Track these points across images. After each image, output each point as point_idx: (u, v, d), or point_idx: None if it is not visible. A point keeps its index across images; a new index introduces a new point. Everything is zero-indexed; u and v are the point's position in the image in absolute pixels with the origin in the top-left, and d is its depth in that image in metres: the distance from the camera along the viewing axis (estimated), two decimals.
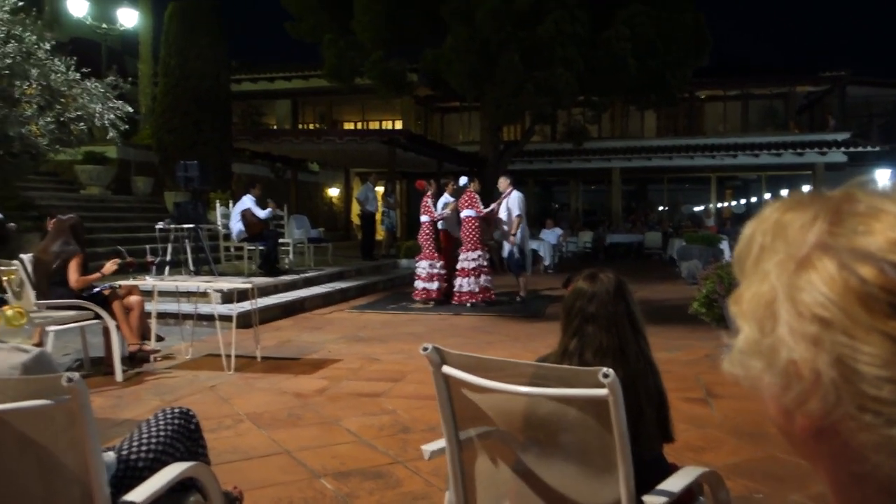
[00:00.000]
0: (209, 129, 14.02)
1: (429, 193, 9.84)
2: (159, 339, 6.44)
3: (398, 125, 23.80)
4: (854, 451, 0.45)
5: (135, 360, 5.77)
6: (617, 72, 15.40)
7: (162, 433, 1.96)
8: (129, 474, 1.77)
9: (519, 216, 9.51)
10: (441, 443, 1.93)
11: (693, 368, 5.65)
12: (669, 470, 1.86)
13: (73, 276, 5.35)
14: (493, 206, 9.74)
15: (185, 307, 7.29)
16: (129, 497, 1.52)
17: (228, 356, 5.62)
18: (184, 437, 2.03)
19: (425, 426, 4.22)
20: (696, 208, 25.19)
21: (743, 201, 26.53)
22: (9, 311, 2.35)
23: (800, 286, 0.46)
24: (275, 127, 24.76)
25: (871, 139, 23.57)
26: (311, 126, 26.49)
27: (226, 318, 6.80)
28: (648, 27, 15.01)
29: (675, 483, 1.70)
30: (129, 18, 16.20)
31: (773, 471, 3.44)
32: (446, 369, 1.78)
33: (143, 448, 1.88)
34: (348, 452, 3.79)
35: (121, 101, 8.71)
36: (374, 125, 25.42)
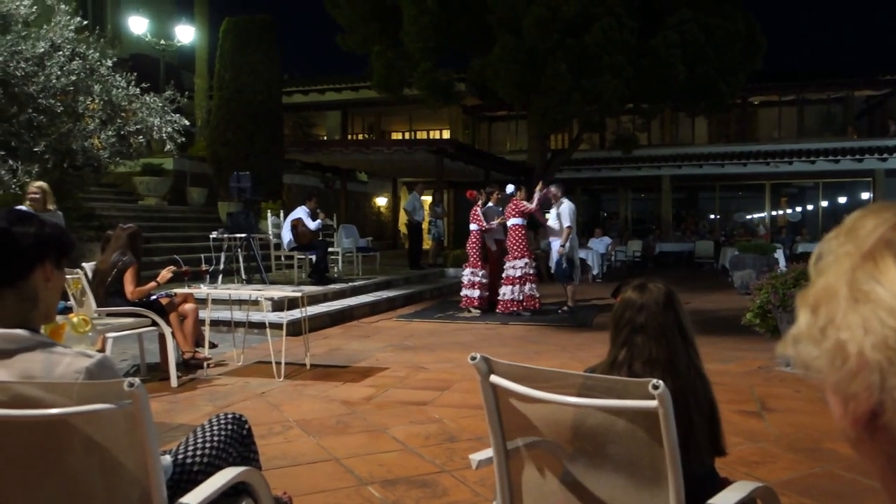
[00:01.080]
0: (261, 140, 14.35)
1: (479, 203, 9.87)
2: (212, 346, 6.60)
3: (446, 135, 23.94)
4: None
5: (189, 367, 5.92)
6: (666, 78, 15.21)
7: (216, 438, 2.01)
8: (184, 478, 1.82)
9: (569, 227, 9.45)
10: (488, 452, 1.93)
11: (746, 380, 5.52)
12: (721, 484, 1.82)
13: (129, 286, 5.53)
14: (535, 200, 9.63)
15: (238, 315, 7.45)
16: (185, 500, 1.57)
17: (279, 363, 5.72)
18: (236, 443, 2.08)
19: (472, 435, 4.22)
20: (750, 216, 24.63)
21: (798, 209, 25.82)
22: (75, 319, 2.45)
23: (860, 277, 0.47)
24: (325, 138, 25.16)
25: None
26: (360, 136, 26.84)
27: (276, 326, 6.92)
28: (698, 33, 14.79)
29: (728, 498, 1.67)
30: (185, 35, 16.72)
31: (830, 488, 3.33)
32: (494, 379, 1.79)
33: (199, 453, 1.94)
34: (395, 460, 3.81)
35: (178, 115, 8.99)
36: (421, 135, 25.61)
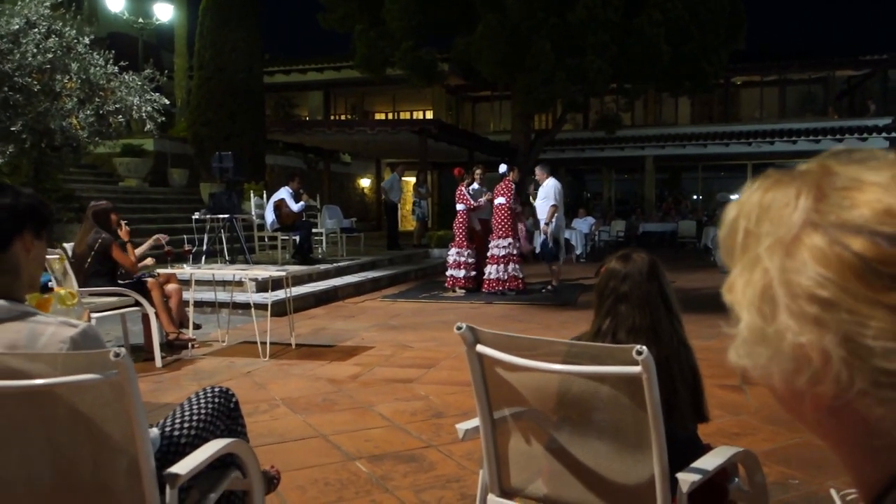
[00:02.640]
0: (243, 120, 14.20)
1: (465, 182, 9.85)
2: (196, 326, 6.58)
3: (429, 115, 23.82)
4: (872, 426, 0.45)
5: (173, 348, 5.90)
6: (650, 58, 15.18)
7: (203, 411, 2.01)
8: (171, 450, 1.82)
9: (554, 206, 9.47)
10: (475, 422, 1.95)
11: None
12: (704, 450, 1.85)
13: (126, 263, 5.52)
14: (483, 200, 9.58)
15: (221, 296, 7.42)
16: (173, 469, 1.57)
17: (264, 343, 5.71)
18: (224, 416, 2.09)
19: (458, 411, 4.24)
20: (732, 197, 24.77)
21: None
22: (62, 291, 2.43)
23: (793, 268, 0.45)
24: (307, 118, 24.96)
25: None
26: (343, 117, 26.65)
27: (261, 307, 6.91)
28: (682, 11, 14.76)
29: (710, 461, 1.70)
30: (164, 13, 16.44)
31: (809, 457, 3.40)
32: (480, 348, 1.80)
33: (185, 425, 1.94)
34: (382, 436, 3.84)
35: (157, 94, 8.86)
36: (405, 115, 25.46)
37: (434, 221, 18.22)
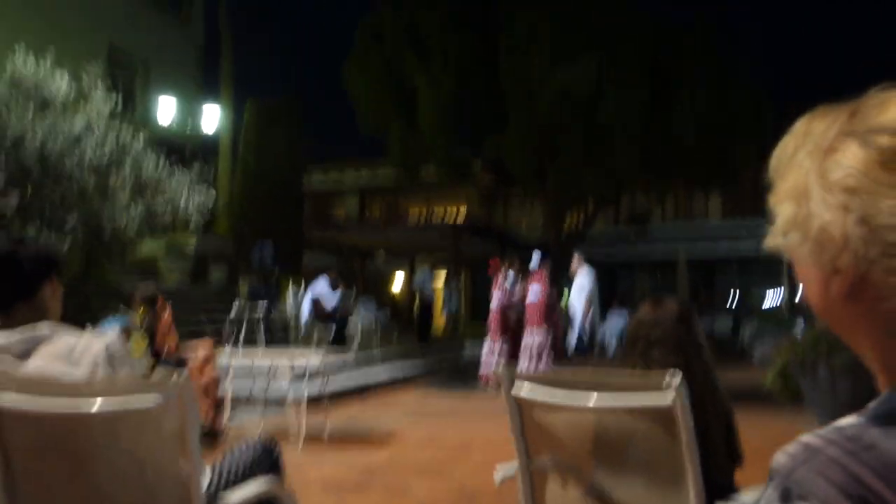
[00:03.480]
0: (283, 220, 14.71)
1: (501, 273, 9.96)
2: (232, 414, 6.62)
3: (462, 212, 24.30)
4: (887, 301, 0.54)
5: (208, 434, 5.93)
6: (678, 152, 15.52)
7: (249, 458, 2.07)
8: (220, 488, 1.88)
9: (587, 294, 9.45)
10: (512, 467, 1.98)
11: (769, 445, 5.43)
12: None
13: (167, 343, 5.68)
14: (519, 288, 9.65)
15: (258, 384, 7.48)
16: (224, 498, 1.63)
17: (298, 431, 5.72)
18: (266, 466, 2.14)
19: (492, 495, 4.17)
20: (769, 293, 24.44)
21: None
22: (138, 338, 2.57)
23: (828, 168, 0.56)
24: (343, 219, 25.65)
25: None
26: (378, 217, 27.34)
27: (296, 396, 6.94)
28: (707, 106, 15.15)
29: (752, 495, 1.70)
30: (212, 116, 17.20)
31: None
32: (517, 390, 1.85)
33: (233, 469, 2.00)
34: None
35: (205, 188, 9.30)
36: (438, 213, 26.00)
37: (467, 316, 18.26)
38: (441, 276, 17.70)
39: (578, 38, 15.17)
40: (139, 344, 2.43)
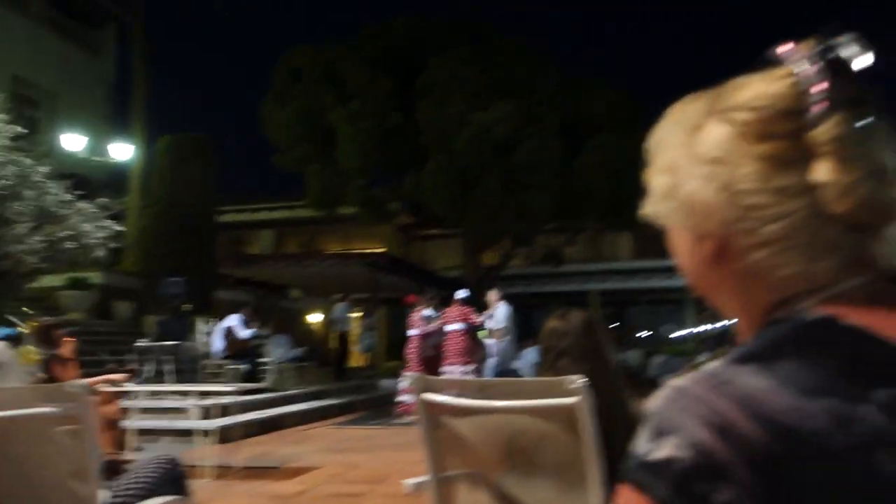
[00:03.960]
0: (194, 255, 14.29)
1: (418, 308, 10.00)
2: (138, 450, 6.32)
3: (380, 249, 24.26)
4: (744, 261, 0.61)
5: (110, 471, 5.64)
6: (589, 196, 16.11)
7: (152, 474, 2.01)
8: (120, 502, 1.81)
9: (502, 328, 9.59)
10: (421, 478, 1.99)
11: None
12: None
13: (66, 377, 5.37)
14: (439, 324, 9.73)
15: (164, 422, 7.19)
16: None
17: (207, 466, 5.52)
18: (171, 483, 2.08)
19: None
20: (676, 333, 25.37)
21: (720, 323, 26.77)
22: (24, 351, 2.45)
23: (694, 143, 0.64)
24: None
25: None
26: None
27: (204, 433, 6.69)
28: (615, 155, 15.83)
29: None
30: (122, 152, 16.76)
31: None
32: (428, 395, 1.89)
33: (133, 485, 1.93)
34: None
35: (111, 221, 8.98)
36: (356, 249, 25.85)
37: (384, 353, 18.14)
38: (358, 313, 17.56)
39: (495, 84, 15.68)
40: (29, 354, 2.33)
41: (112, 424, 5.74)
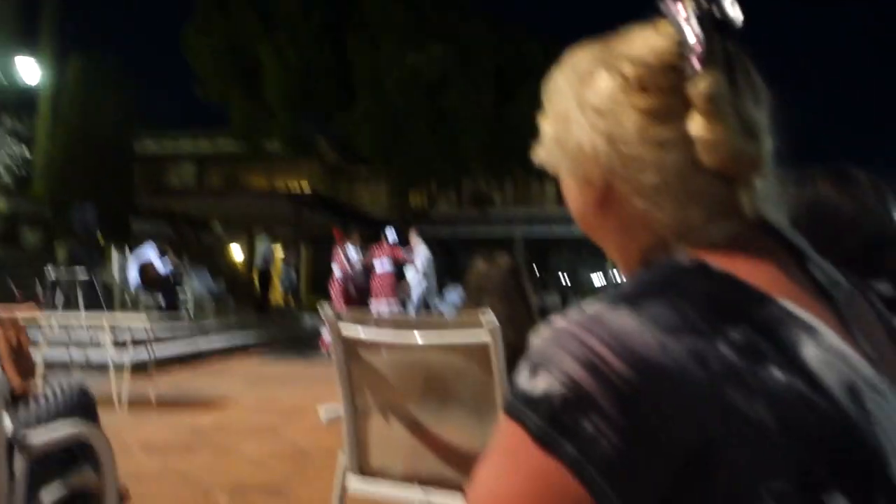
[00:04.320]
0: (108, 183, 13.70)
1: (343, 245, 9.94)
2: (47, 380, 6.16)
3: (305, 186, 23.86)
4: (625, 207, 0.65)
5: (16, 399, 5.48)
6: (518, 143, 16.19)
7: (59, 403, 1.98)
8: (25, 430, 1.78)
9: (423, 272, 9.68)
10: (338, 408, 2.04)
11: None
12: None
13: None
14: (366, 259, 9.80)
15: (77, 354, 7.01)
16: (27, 438, 1.56)
17: (120, 398, 5.44)
18: (80, 411, 2.06)
19: (325, 450, 4.23)
20: (595, 277, 26.20)
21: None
22: None
23: (583, 92, 0.67)
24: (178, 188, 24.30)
25: None
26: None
27: (119, 366, 6.55)
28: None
29: None
30: (31, 76, 15.69)
31: None
32: (343, 329, 1.92)
33: (40, 412, 1.90)
34: (246, 472, 3.77)
35: (18, 145, 8.48)
36: (281, 185, 25.32)
37: (308, 290, 18.05)
38: (281, 249, 17.35)
39: (428, 27, 15.38)
40: None
41: (18, 353, 5.57)
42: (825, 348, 0.53)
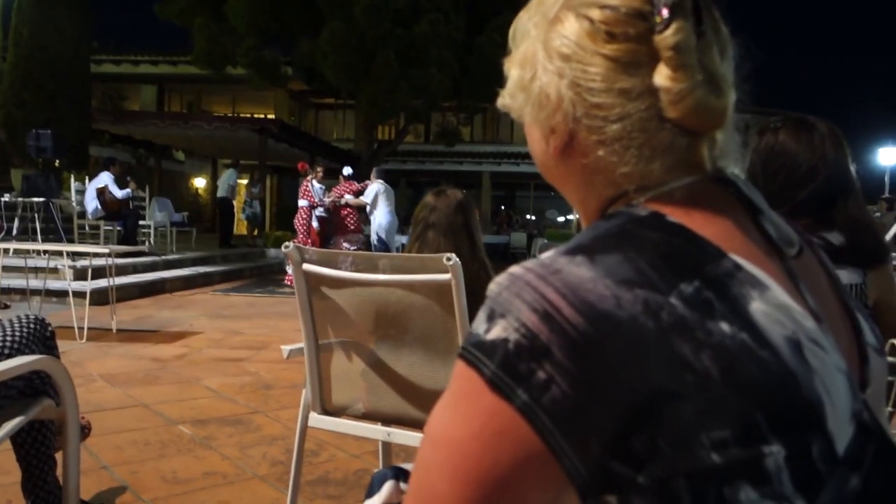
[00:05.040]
0: (65, 106, 13.17)
1: (309, 178, 9.82)
2: (4, 307, 6.08)
3: (271, 115, 23.37)
4: (588, 156, 0.64)
5: None
6: (489, 77, 15.95)
7: (17, 333, 1.95)
8: None
9: (371, 204, 9.42)
10: (299, 344, 2.05)
11: None
12: None
13: None
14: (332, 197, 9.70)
15: (35, 282, 6.89)
16: None
17: (81, 328, 5.39)
18: (39, 342, 2.03)
19: (288, 384, 4.28)
20: (562, 217, 26.39)
21: None
22: None
23: (550, 37, 0.64)
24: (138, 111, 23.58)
25: None
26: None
27: (79, 295, 6.47)
28: None
29: None
30: None
31: None
32: (306, 266, 1.91)
33: (0, 343, 1.88)
34: (208, 404, 3.80)
35: None
36: (245, 113, 24.79)
37: (272, 222, 17.88)
38: (246, 180, 17.07)
39: None
40: None
41: None
42: (772, 303, 0.54)
